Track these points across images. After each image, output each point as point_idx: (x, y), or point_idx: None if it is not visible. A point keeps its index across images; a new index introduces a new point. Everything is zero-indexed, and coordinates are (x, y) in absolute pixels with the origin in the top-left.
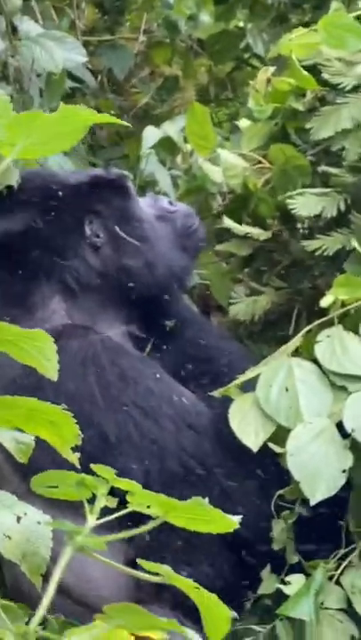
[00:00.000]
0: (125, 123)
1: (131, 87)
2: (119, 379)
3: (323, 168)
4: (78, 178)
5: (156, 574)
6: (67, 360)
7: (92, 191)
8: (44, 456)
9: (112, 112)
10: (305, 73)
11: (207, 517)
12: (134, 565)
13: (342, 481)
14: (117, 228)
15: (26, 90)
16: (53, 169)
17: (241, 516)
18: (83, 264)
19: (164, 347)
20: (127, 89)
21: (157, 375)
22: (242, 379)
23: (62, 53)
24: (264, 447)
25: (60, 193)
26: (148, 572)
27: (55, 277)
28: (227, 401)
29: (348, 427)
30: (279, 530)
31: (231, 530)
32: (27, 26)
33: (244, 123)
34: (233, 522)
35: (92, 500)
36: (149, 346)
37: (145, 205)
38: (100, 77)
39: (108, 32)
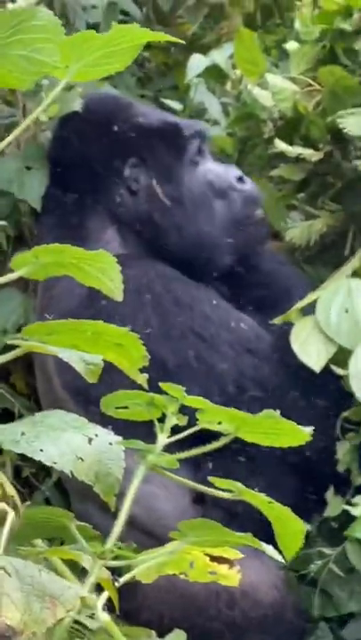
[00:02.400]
0: (178, 40)
1: (177, 17)
2: (175, 305)
3: None
4: (145, 119)
5: (230, 491)
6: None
7: (145, 136)
8: (101, 383)
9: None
10: None
11: (278, 430)
12: (201, 500)
13: None
14: (154, 181)
15: (72, 23)
16: None
17: (312, 428)
18: (123, 203)
19: (222, 275)
20: (173, 19)
21: (214, 302)
22: (302, 303)
23: None
24: (326, 370)
25: (116, 127)
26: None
27: (106, 209)
28: (287, 326)
29: None
30: (344, 451)
31: (303, 442)
32: None
33: (291, 46)
34: (305, 433)
35: (161, 420)
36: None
37: (209, 172)
38: (145, 9)
39: None
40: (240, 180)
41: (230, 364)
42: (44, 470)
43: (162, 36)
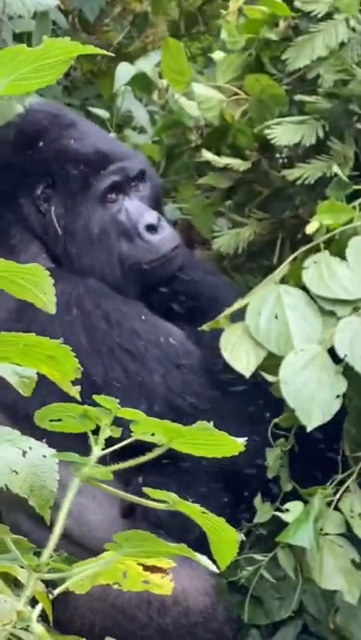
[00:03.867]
0: (107, 52)
1: (103, 26)
2: (104, 321)
3: (299, 96)
4: (75, 143)
5: (164, 502)
6: None
7: (63, 160)
8: (32, 398)
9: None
10: (278, 0)
11: (212, 441)
12: (130, 513)
13: (337, 406)
14: (52, 208)
15: None
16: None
17: (246, 438)
18: (36, 221)
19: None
20: (99, 28)
21: (143, 316)
22: (231, 310)
23: None
24: (255, 377)
25: (42, 144)
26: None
27: (27, 224)
28: (216, 335)
29: (340, 352)
30: (273, 458)
31: (237, 452)
32: None
33: (217, 55)
34: (239, 444)
35: (95, 432)
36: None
37: (123, 212)
38: (70, 18)
39: None
40: (151, 228)
41: (160, 380)
42: None
43: (92, 50)
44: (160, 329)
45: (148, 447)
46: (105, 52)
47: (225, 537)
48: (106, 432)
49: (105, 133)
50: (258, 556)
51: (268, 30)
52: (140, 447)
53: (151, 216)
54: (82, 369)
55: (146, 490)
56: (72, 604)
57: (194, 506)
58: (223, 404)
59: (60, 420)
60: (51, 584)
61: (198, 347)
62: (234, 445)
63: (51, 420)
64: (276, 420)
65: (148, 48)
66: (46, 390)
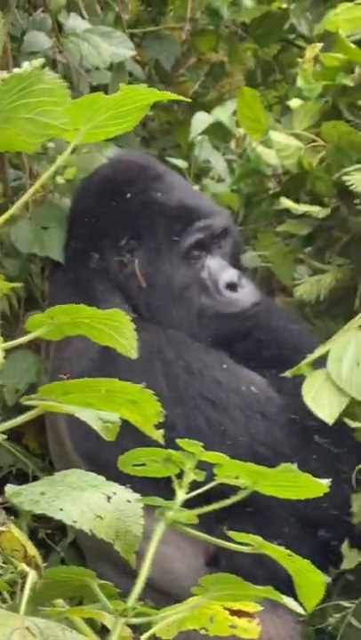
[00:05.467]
0: (183, 98)
1: (179, 76)
2: (185, 371)
3: None
4: (162, 195)
5: (248, 545)
6: None
7: (150, 213)
8: (113, 447)
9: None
10: (353, 46)
11: (296, 483)
12: (214, 562)
13: None
14: (137, 260)
15: (76, 85)
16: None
17: (329, 479)
18: (118, 271)
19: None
20: (175, 78)
21: (224, 365)
22: (312, 357)
23: (109, 48)
24: (339, 423)
25: (129, 195)
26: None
27: (110, 274)
28: (298, 383)
29: None
30: (359, 504)
31: (321, 494)
32: (72, 22)
33: (294, 102)
34: (322, 485)
35: (179, 476)
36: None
37: (205, 269)
38: (147, 69)
39: (152, 23)
40: (231, 286)
41: (242, 429)
42: (59, 531)
43: (168, 95)
44: (242, 377)
45: (232, 494)
46: (180, 97)
47: (311, 579)
48: (190, 476)
49: (190, 187)
50: (345, 603)
51: (345, 77)
52: (224, 494)
53: (232, 274)
54: (164, 419)
55: (230, 533)
56: None
57: (279, 548)
58: (306, 451)
59: (143, 464)
60: (138, 631)
61: (281, 394)
62: (317, 487)
63: (134, 465)
64: (360, 465)
65: (224, 97)
66: (128, 439)
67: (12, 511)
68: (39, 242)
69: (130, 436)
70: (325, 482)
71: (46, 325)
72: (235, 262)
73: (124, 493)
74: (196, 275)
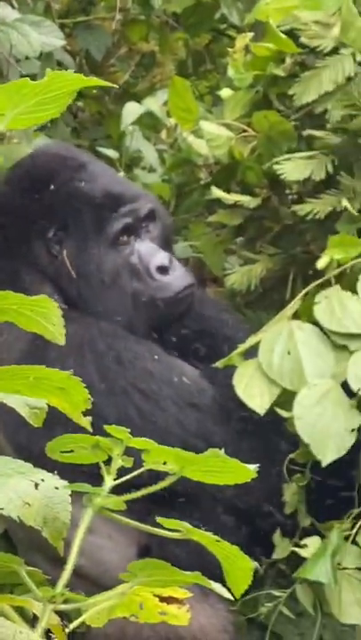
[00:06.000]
0: (111, 84)
1: (109, 66)
2: (116, 362)
3: (307, 132)
4: (86, 185)
5: (177, 531)
6: (63, 345)
7: (75, 202)
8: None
9: (93, 92)
10: (284, 36)
11: (224, 468)
12: (146, 552)
13: (352, 440)
14: (65, 251)
15: (5, 75)
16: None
17: (257, 465)
18: (47, 263)
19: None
20: (106, 68)
21: (155, 356)
22: (244, 347)
23: (39, 37)
24: (270, 414)
25: (53, 187)
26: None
27: (39, 265)
28: (230, 373)
29: (353, 386)
30: (290, 494)
31: (249, 479)
32: (2, 11)
33: (225, 92)
34: (250, 471)
35: (107, 463)
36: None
37: (135, 253)
38: (78, 59)
39: (82, 13)
40: (162, 269)
41: (173, 420)
42: None
43: (96, 82)
44: (173, 368)
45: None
46: (108, 83)
47: (239, 565)
48: (118, 462)
49: (115, 174)
50: (277, 592)
51: (275, 67)
52: (154, 481)
53: (163, 257)
54: (94, 409)
55: (159, 519)
56: None
57: (207, 534)
58: (238, 441)
59: (71, 451)
60: (66, 619)
61: (212, 385)
62: (245, 472)
63: (62, 452)
64: (291, 455)
65: (155, 87)
66: (59, 428)
67: None
68: None
69: (61, 425)
70: (253, 467)
71: None
72: (165, 246)
73: (51, 480)
74: (125, 260)
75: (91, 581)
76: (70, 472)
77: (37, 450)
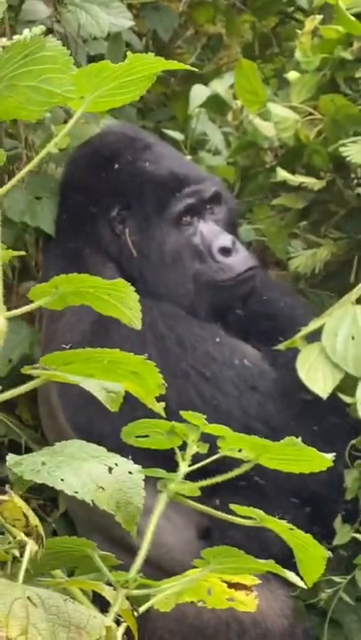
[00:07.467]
0: (190, 67)
1: (176, 48)
2: (178, 345)
3: None
4: (150, 165)
5: (250, 518)
6: (125, 327)
7: (139, 182)
8: (107, 419)
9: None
10: (353, 19)
11: (300, 457)
12: (207, 535)
13: None
14: (127, 230)
15: (73, 55)
16: None
17: (333, 454)
18: (110, 242)
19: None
20: (172, 50)
21: (217, 339)
22: (307, 330)
23: (107, 18)
24: (332, 398)
25: (117, 166)
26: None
27: (102, 245)
28: (292, 356)
29: None
30: (352, 479)
31: (325, 468)
32: None
33: (292, 75)
34: (326, 459)
35: (182, 448)
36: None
37: (197, 235)
38: (144, 40)
39: None
40: (225, 251)
41: (235, 403)
42: (51, 502)
43: (176, 65)
44: (235, 351)
45: (232, 468)
46: (187, 66)
47: (312, 553)
48: (193, 448)
49: (180, 156)
50: (337, 578)
51: (343, 50)
52: (220, 468)
53: (226, 239)
54: None
55: (232, 506)
56: (150, 625)
57: (281, 522)
58: (299, 425)
59: (146, 436)
60: (135, 603)
61: (274, 368)
62: (322, 461)
63: (137, 437)
64: (353, 441)
65: (221, 70)
66: (119, 411)
67: (3, 482)
68: (31, 211)
69: (121, 408)
70: (330, 456)
71: (50, 295)
72: (230, 229)
73: (125, 465)
74: (188, 240)
75: (150, 563)
76: (133, 455)
77: (97, 432)
